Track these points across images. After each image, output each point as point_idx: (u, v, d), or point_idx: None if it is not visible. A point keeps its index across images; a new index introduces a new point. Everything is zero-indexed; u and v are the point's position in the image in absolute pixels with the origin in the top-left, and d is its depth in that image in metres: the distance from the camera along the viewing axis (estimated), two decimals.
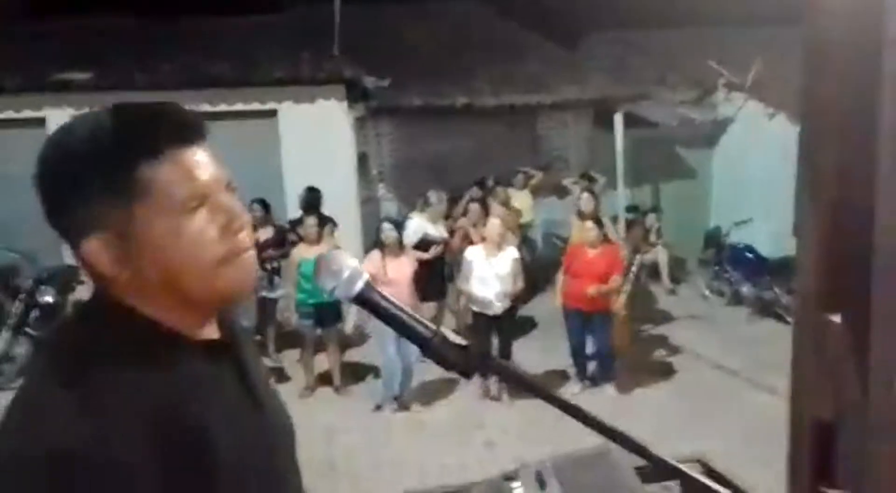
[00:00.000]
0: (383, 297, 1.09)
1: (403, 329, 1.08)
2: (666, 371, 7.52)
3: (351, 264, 1.08)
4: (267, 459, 1.09)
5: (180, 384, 1.00)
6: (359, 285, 1.07)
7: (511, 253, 6.58)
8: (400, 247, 6.65)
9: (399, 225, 6.99)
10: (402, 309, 1.09)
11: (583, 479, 1.64)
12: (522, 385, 1.15)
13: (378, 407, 6.64)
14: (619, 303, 7.00)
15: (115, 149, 0.98)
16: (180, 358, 1.03)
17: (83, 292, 8.77)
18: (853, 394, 1.31)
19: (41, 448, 0.88)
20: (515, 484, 1.63)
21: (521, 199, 10.30)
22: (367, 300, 1.08)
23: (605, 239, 6.91)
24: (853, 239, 1.21)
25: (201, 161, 1.03)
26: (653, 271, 10.91)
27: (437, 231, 7.69)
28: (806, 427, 1.47)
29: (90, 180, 0.98)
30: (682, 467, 1.14)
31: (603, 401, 6.70)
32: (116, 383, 0.95)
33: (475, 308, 6.69)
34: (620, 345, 7.16)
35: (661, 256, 10.95)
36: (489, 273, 6.46)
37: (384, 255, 6.50)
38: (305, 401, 6.88)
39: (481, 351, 1.07)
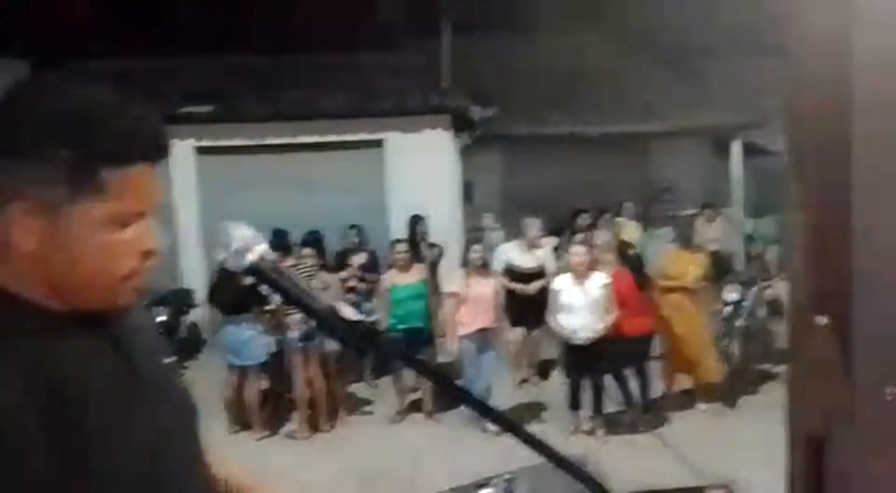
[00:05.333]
0: (278, 271, 1.06)
1: (297, 303, 1.06)
2: (777, 410, 7.01)
3: (243, 236, 1.05)
4: (140, 427, 1.07)
5: (48, 351, 1.00)
6: (248, 258, 1.05)
7: (601, 279, 6.28)
8: (484, 267, 6.71)
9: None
10: (297, 285, 1.07)
11: (555, 489, 1.54)
12: (420, 371, 1.09)
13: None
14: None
15: (96, 137, 0.98)
16: (48, 327, 1.02)
17: (196, 315, 9.19)
18: (840, 410, 1.24)
19: None
20: (486, 491, 1.55)
21: (629, 230, 10.00)
22: (259, 273, 1.05)
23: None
24: (837, 249, 1.22)
25: (154, 182, 1.05)
26: (775, 306, 10.28)
27: (527, 260, 7.53)
28: (800, 444, 1.41)
29: (66, 144, 0.96)
30: None
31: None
32: None
33: (563, 338, 6.44)
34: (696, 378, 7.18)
35: (782, 291, 10.33)
36: (577, 301, 6.24)
37: (468, 274, 6.61)
38: (395, 426, 6.93)
39: (370, 328, 1.03)
